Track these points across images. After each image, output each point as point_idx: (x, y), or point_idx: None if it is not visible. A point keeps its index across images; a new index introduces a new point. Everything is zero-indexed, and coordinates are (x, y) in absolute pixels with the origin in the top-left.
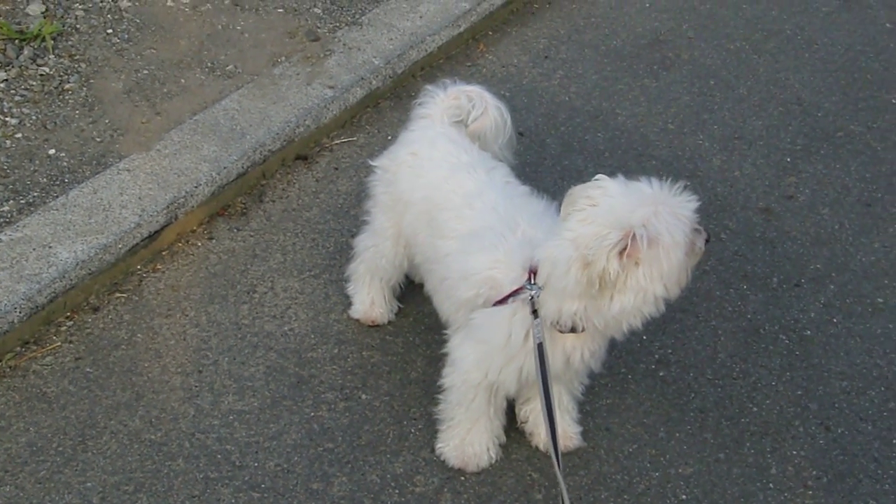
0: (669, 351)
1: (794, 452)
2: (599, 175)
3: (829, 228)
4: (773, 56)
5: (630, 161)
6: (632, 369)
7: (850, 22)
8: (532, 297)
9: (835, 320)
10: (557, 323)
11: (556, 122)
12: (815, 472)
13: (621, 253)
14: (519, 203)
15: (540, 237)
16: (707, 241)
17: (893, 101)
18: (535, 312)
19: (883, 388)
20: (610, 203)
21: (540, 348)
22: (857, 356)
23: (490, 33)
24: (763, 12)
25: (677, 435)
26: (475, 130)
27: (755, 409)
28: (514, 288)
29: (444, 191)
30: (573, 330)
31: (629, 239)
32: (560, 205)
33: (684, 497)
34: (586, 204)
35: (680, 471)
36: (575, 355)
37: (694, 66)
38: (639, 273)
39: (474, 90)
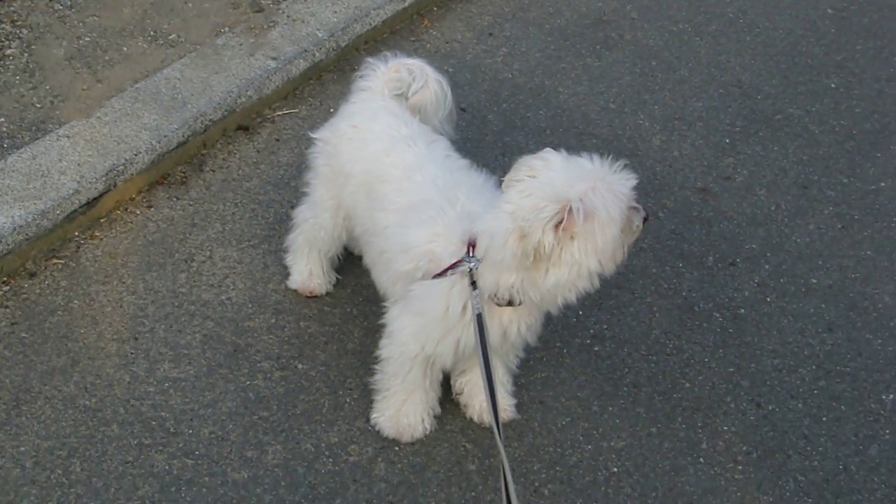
0: (605, 326)
1: (725, 428)
2: (547, 149)
3: (766, 209)
4: (714, 39)
5: (571, 139)
6: (567, 344)
7: (793, 7)
8: (471, 270)
9: (768, 299)
10: (495, 296)
11: (498, 99)
12: (745, 448)
13: (557, 226)
14: (458, 177)
15: (479, 211)
16: (645, 219)
17: (832, 85)
18: (473, 284)
19: (814, 367)
20: (549, 176)
21: (479, 319)
22: (789, 335)
23: (435, 9)
24: None
25: (610, 409)
26: (416, 104)
27: (688, 384)
28: (453, 261)
29: (385, 163)
30: (510, 303)
31: (565, 212)
32: (500, 179)
33: (616, 469)
34: (527, 175)
35: (612, 444)
36: (511, 328)
37: (636, 46)
38: (574, 247)
39: (415, 63)
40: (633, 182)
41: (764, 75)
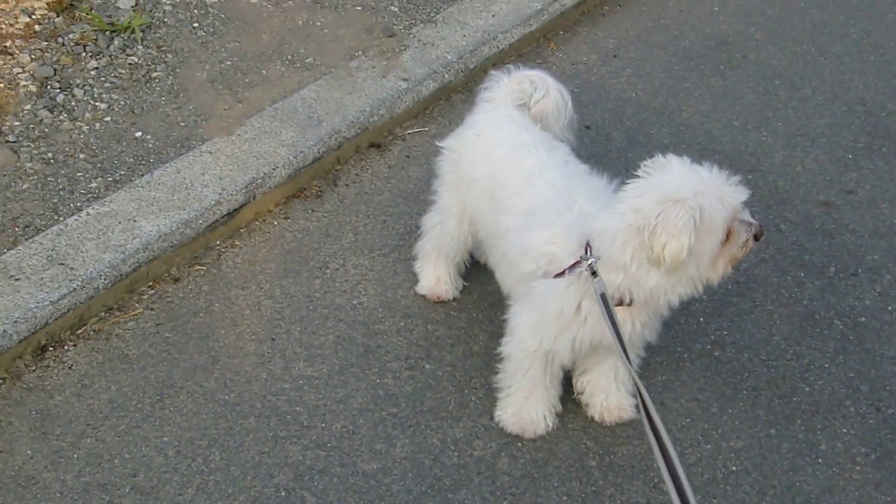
0: (725, 332)
1: (844, 430)
2: (671, 155)
3: (888, 222)
4: (838, 58)
5: (694, 155)
6: (688, 349)
7: None
8: (591, 264)
9: (890, 308)
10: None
11: (622, 117)
12: (864, 450)
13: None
14: (577, 181)
15: (595, 213)
16: (757, 237)
17: None
18: (594, 273)
19: None
20: (662, 178)
21: (603, 298)
22: None
23: (561, 32)
24: (830, 17)
25: (730, 411)
26: (537, 112)
27: (807, 388)
28: (572, 261)
29: (507, 169)
30: (621, 302)
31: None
32: (620, 184)
33: (734, 468)
34: (643, 174)
35: (731, 444)
36: (625, 327)
37: (760, 66)
38: None
39: (537, 74)
40: (745, 196)
41: (888, 93)
